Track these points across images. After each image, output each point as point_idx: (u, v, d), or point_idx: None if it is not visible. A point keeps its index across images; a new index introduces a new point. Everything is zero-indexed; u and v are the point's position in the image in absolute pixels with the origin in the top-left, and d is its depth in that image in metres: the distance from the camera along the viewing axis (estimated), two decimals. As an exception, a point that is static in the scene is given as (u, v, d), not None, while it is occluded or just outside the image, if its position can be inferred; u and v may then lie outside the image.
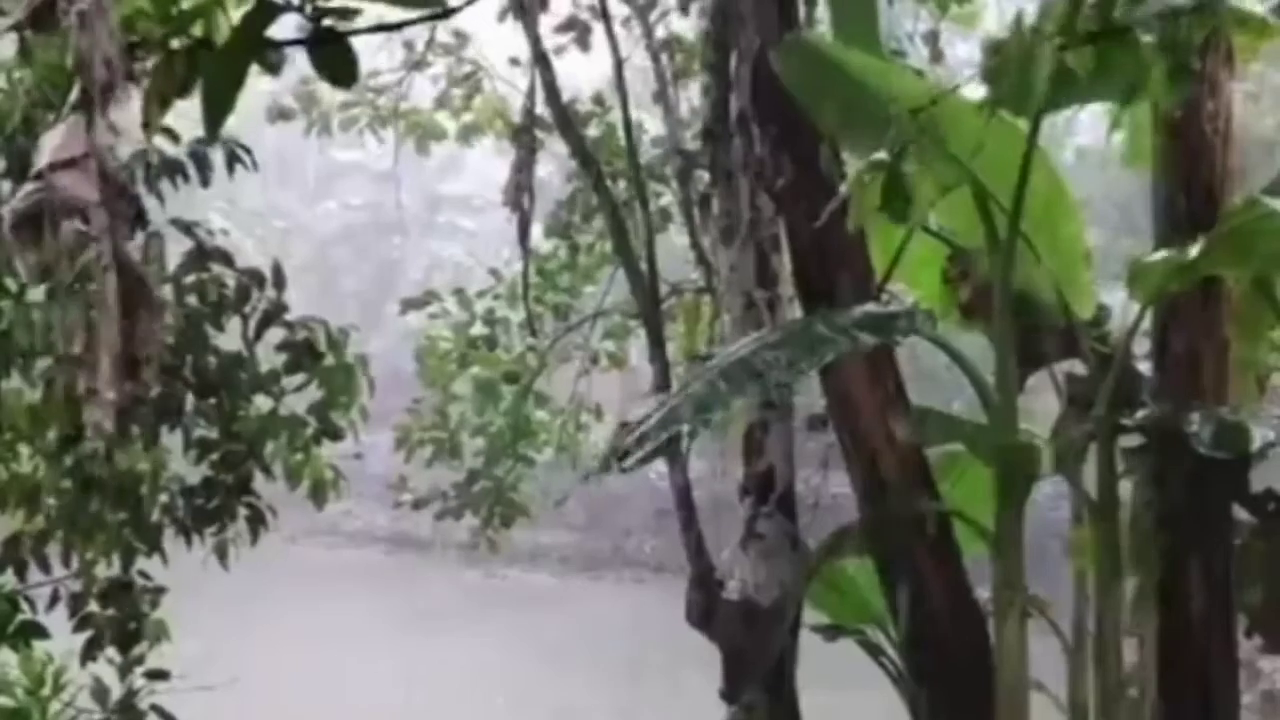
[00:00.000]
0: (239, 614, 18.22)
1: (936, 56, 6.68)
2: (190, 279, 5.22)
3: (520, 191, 6.91)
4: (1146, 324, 5.08)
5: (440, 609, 23.22)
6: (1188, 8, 3.39)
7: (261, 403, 5.46)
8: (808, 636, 5.95)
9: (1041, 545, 5.72)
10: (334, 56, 3.64)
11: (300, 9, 3.49)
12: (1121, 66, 3.75)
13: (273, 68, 3.49)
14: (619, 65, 6.97)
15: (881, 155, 4.33)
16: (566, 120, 6.87)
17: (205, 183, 5.19)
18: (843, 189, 4.60)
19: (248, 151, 5.12)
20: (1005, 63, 3.90)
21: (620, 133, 7.32)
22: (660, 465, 6.69)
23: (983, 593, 5.25)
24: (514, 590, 24.92)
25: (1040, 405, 5.73)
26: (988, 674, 5.05)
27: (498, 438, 8.31)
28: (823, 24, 6.12)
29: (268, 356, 5.40)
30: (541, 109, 7.31)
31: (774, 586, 5.81)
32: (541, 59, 6.77)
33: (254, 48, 3.57)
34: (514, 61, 7.75)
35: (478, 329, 8.24)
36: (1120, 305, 5.28)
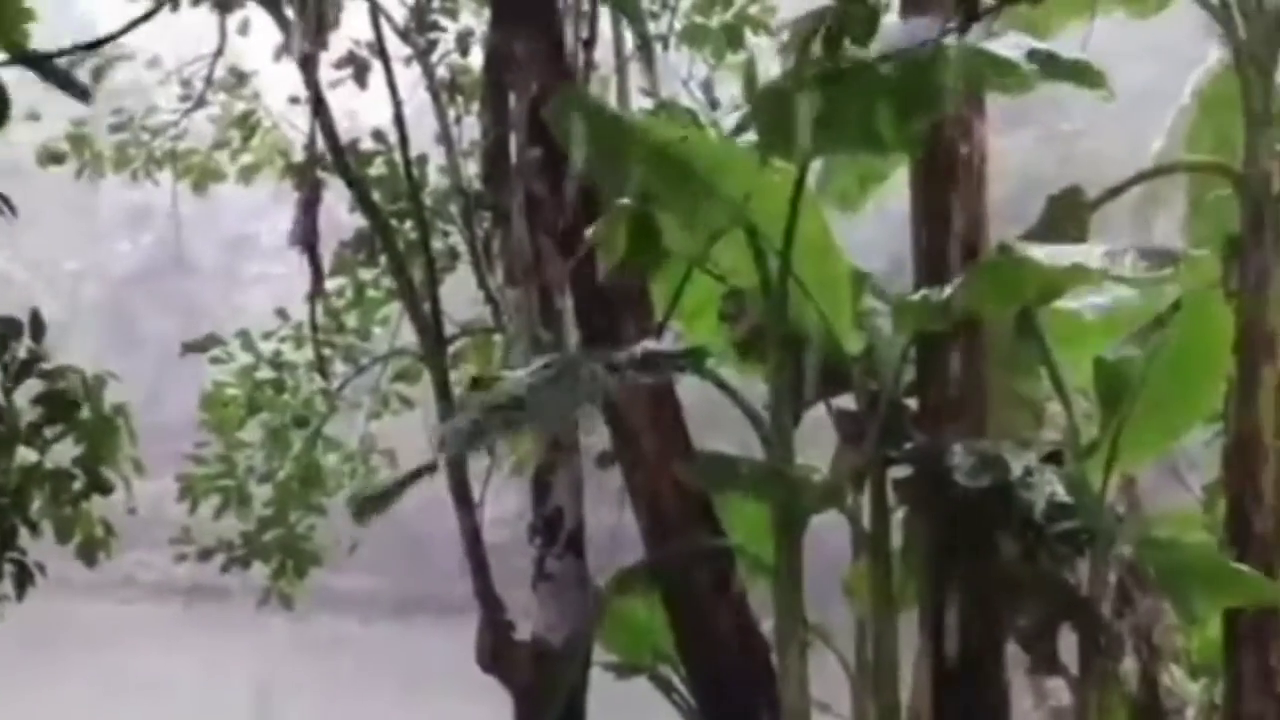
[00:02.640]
0: (4, 681, 16.98)
1: (713, 104, 6.82)
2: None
3: (306, 231, 6.82)
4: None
5: (239, 661, 22.53)
6: (929, 59, 3.54)
7: (26, 455, 5.24)
8: (600, 675, 5.98)
9: (837, 575, 5.86)
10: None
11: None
12: (852, 115, 3.88)
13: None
14: (398, 105, 6.97)
15: (625, 202, 4.41)
16: (343, 160, 6.83)
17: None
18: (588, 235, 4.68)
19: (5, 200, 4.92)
20: (756, 110, 4.02)
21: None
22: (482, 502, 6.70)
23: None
24: (320, 638, 24.35)
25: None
26: (773, 704, 5.15)
27: (287, 485, 8.16)
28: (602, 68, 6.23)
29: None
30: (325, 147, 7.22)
31: (564, 626, 5.81)
32: (318, 99, 6.71)
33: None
34: (293, 100, 7.65)
35: (264, 373, 8.09)
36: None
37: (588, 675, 5.83)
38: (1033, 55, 3.76)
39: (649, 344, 5.26)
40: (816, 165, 5.10)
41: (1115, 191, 5.44)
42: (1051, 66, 3.83)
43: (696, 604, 5.39)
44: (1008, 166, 5.42)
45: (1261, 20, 5.19)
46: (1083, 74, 3.85)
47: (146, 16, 5.13)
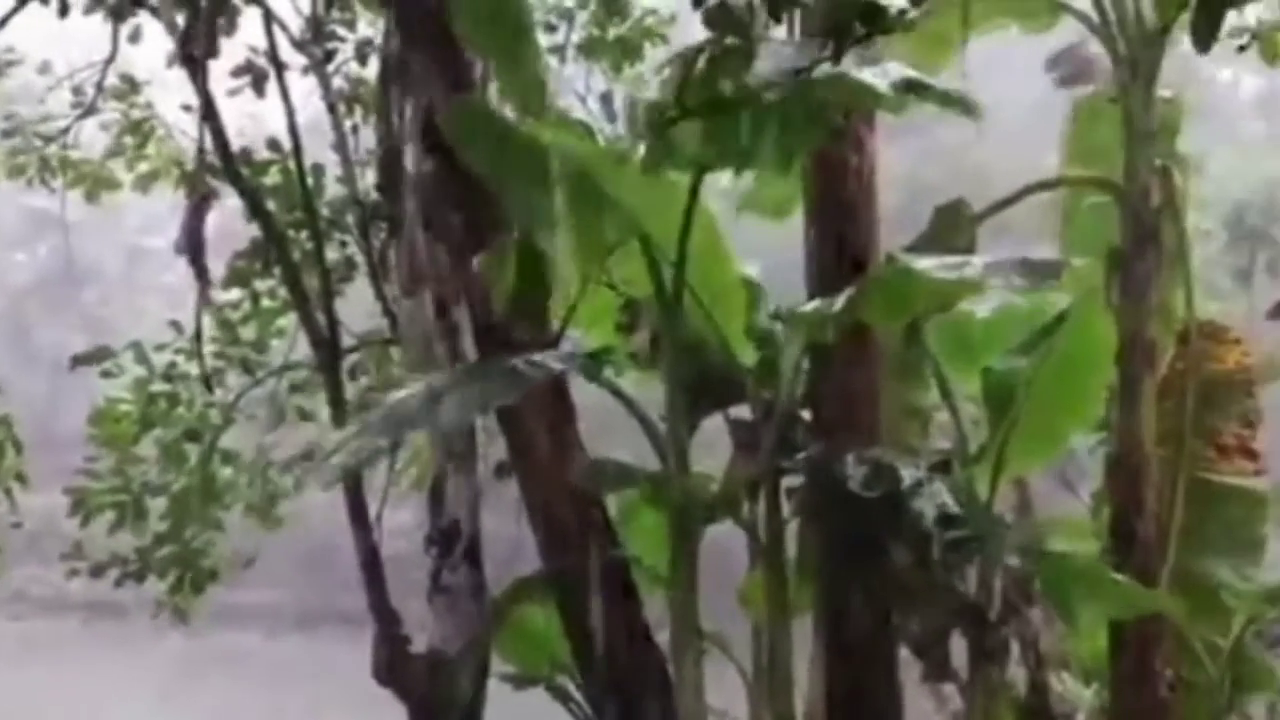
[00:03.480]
0: None
1: (611, 116, 6.83)
2: None
3: (191, 240, 6.72)
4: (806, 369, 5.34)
5: (139, 678, 22.13)
6: (803, 86, 3.60)
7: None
8: (499, 686, 5.96)
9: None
10: None
11: None
12: (736, 136, 3.93)
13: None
14: (290, 114, 6.89)
15: (514, 235, 4.45)
16: (234, 168, 6.74)
17: None
18: (474, 264, 4.71)
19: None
20: (645, 127, 4.05)
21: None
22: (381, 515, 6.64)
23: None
24: (221, 653, 24.00)
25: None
26: (670, 712, 5.17)
27: (182, 499, 8.02)
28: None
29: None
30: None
31: (461, 637, 5.78)
32: (209, 106, 6.62)
33: None
34: (186, 108, 7.54)
35: (158, 386, 7.94)
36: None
37: (484, 686, 5.81)
38: (900, 84, 3.84)
39: (544, 354, 5.27)
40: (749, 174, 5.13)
41: (1002, 204, 5.55)
42: (920, 94, 3.91)
43: (592, 614, 5.39)
44: (896, 176, 5.51)
45: (1141, 36, 5.32)
46: (951, 101, 3.95)
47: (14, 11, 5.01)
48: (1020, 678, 5.60)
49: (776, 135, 3.90)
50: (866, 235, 5.18)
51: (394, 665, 5.97)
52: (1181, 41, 4.76)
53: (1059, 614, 5.48)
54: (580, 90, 6.57)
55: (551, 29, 7.63)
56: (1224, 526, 5.66)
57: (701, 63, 3.47)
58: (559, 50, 7.64)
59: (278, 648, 26.11)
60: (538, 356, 5.16)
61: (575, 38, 7.84)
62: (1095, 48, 5.62)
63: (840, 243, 5.18)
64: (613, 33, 7.84)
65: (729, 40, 3.40)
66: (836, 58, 3.37)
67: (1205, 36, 3.26)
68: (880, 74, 3.78)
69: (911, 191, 6.64)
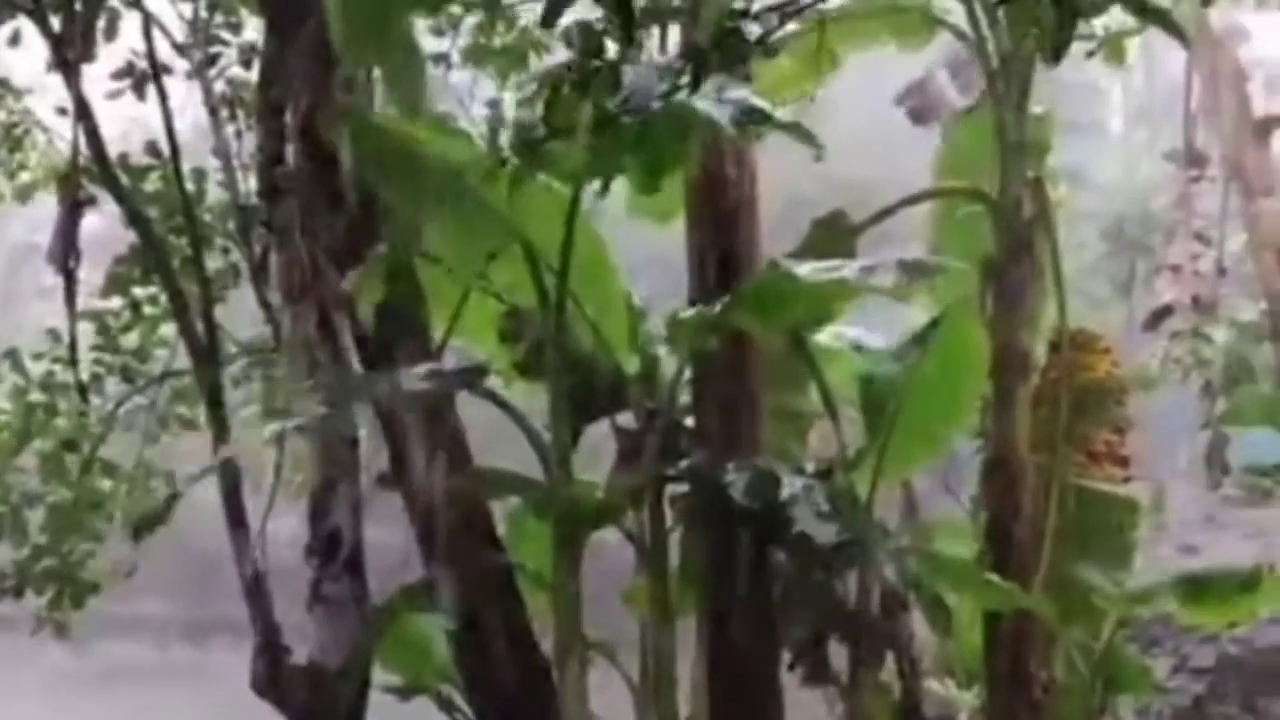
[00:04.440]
0: None
1: (499, 123, 6.82)
2: None
3: (62, 248, 6.58)
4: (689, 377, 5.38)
5: (25, 692, 21.57)
6: (659, 112, 3.64)
7: None
8: (384, 698, 5.91)
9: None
10: None
11: None
12: (603, 152, 3.96)
13: None
14: (168, 118, 6.79)
15: (381, 250, 4.44)
16: (110, 173, 6.62)
17: None
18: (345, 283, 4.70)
19: None
20: (513, 145, 4.07)
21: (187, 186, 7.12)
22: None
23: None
24: (113, 665, 23.48)
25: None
26: (553, 718, 5.17)
27: (61, 510, 7.84)
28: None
29: None
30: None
31: (341, 648, 5.73)
32: (82, 109, 6.49)
33: None
34: (61, 111, 7.38)
35: (36, 395, 7.76)
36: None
37: (366, 697, 5.77)
38: (741, 114, 3.90)
39: (428, 363, 5.26)
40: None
41: (880, 216, 5.63)
42: (761, 123, 3.99)
43: (476, 621, 5.38)
44: (773, 186, 5.57)
45: (1014, 51, 5.44)
46: (793, 131, 4.04)
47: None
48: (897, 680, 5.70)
49: (642, 154, 3.93)
50: (747, 246, 5.23)
51: (273, 676, 5.91)
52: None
53: (936, 616, 5.59)
54: (466, 97, 6.59)
55: (438, 34, 7.59)
56: (1096, 531, 5.79)
57: (567, 83, 3.49)
58: (444, 57, 7.62)
59: (166, 658, 25.58)
60: (421, 367, 5.14)
61: (460, 44, 7.80)
62: (944, 79, 5.75)
63: (721, 253, 5.22)
64: (498, 41, 7.83)
65: (594, 61, 3.42)
66: (694, 85, 3.41)
67: (1055, 50, 3.35)
68: (722, 103, 3.83)
69: (790, 204, 6.71)
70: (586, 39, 3.37)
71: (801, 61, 5.62)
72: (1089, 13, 3.69)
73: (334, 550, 5.77)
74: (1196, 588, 5.73)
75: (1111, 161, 22.39)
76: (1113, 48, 5.13)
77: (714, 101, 3.80)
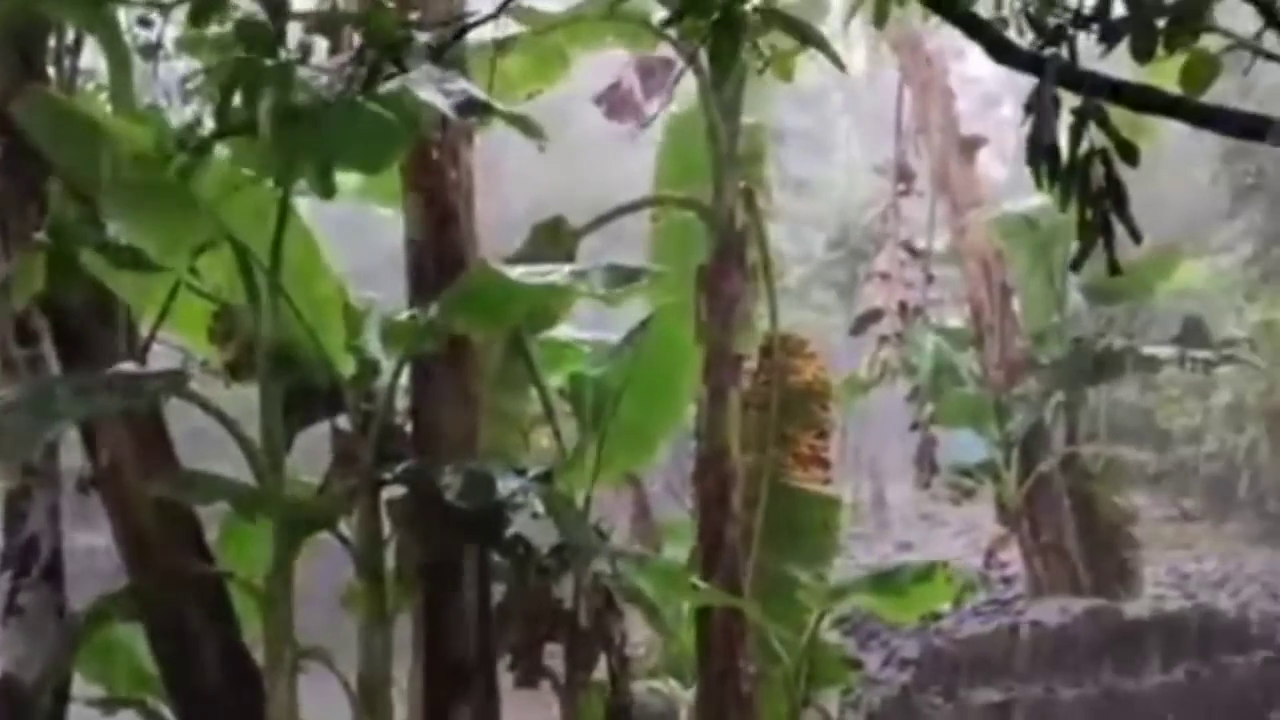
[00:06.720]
0: None
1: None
2: None
3: None
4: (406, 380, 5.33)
5: None
6: (346, 108, 3.62)
7: None
8: (85, 710, 5.66)
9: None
10: None
11: None
12: (302, 153, 3.92)
13: None
14: None
15: (41, 236, 4.28)
16: None
17: None
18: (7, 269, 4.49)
19: None
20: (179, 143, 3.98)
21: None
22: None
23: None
24: None
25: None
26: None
27: None
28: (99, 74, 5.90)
29: None
30: None
31: (39, 659, 5.45)
32: None
33: None
34: None
35: None
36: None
37: (64, 711, 5.51)
38: (464, 104, 3.92)
39: (130, 365, 5.06)
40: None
41: (600, 221, 5.72)
42: (484, 114, 4.02)
43: (181, 629, 5.21)
44: (518, 189, 5.60)
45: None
46: (517, 123, 4.08)
47: None
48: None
49: (332, 153, 3.90)
50: (465, 247, 5.21)
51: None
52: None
53: (652, 617, 5.70)
54: (174, 88, 6.32)
55: (146, 24, 7.28)
56: (801, 530, 6.02)
57: (240, 82, 3.43)
58: (153, 47, 7.30)
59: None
60: (123, 368, 4.95)
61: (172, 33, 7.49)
62: (633, 81, 5.91)
63: (439, 253, 5.19)
64: (212, 31, 7.52)
65: (266, 61, 3.37)
66: (368, 85, 3.40)
67: (722, 67, 3.48)
68: (443, 93, 3.83)
69: (535, 205, 6.75)
70: (259, 36, 3.32)
71: (544, 60, 5.67)
72: (751, 34, 3.83)
73: (30, 559, 5.48)
74: (884, 583, 6.01)
75: (840, 172, 23.20)
76: (781, 66, 5.33)
77: (435, 91, 3.79)
